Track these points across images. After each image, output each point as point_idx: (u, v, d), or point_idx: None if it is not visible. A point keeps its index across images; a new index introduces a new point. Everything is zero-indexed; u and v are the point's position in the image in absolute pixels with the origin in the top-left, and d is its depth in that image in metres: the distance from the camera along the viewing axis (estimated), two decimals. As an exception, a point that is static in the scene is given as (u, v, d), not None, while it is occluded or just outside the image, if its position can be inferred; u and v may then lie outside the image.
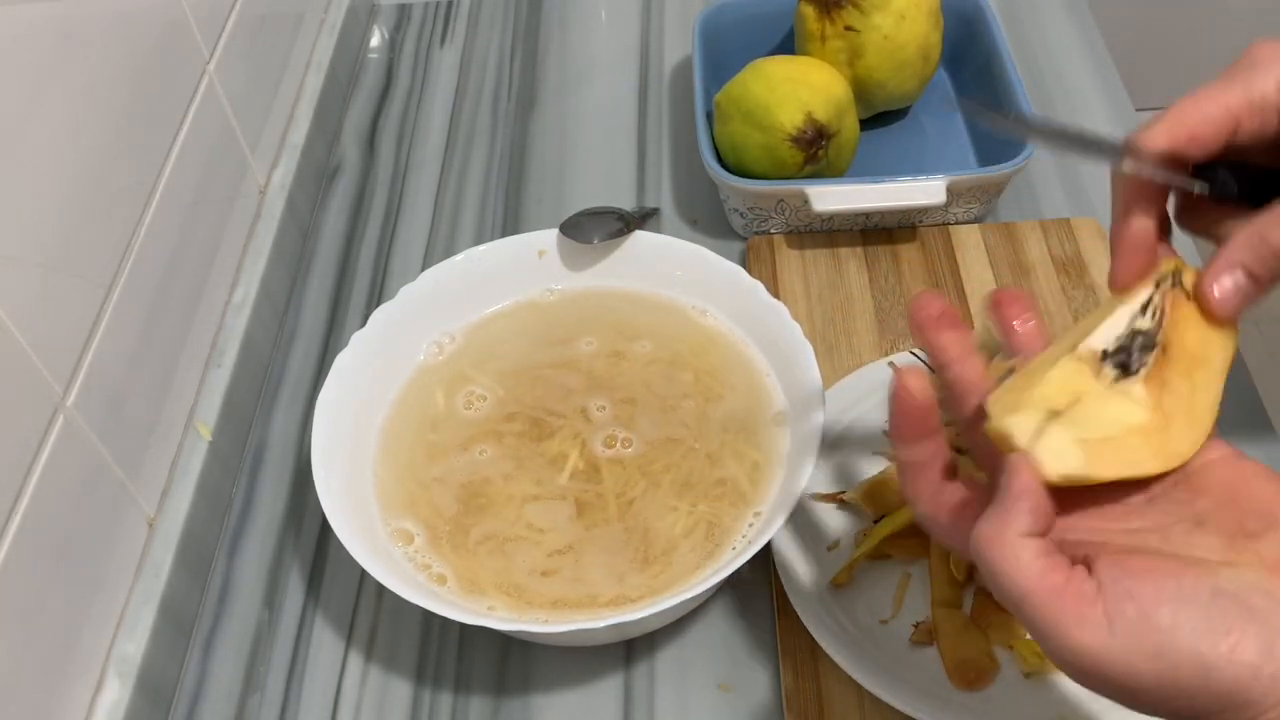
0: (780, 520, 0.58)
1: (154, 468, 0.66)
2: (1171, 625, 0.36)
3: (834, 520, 0.65)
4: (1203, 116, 0.44)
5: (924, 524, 0.44)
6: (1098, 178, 0.88)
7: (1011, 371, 0.45)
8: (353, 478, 0.64)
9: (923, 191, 0.77)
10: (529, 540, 0.62)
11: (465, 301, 0.72)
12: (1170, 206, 0.47)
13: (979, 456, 0.45)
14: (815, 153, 0.79)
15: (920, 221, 0.82)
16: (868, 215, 0.81)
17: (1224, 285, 0.44)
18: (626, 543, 0.62)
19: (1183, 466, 0.42)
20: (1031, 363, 0.45)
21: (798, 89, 0.79)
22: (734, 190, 0.80)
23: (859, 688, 0.59)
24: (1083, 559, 0.39)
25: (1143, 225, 0.45)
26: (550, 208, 0.89)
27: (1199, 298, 0.44)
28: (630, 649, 0.64)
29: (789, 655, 0.61)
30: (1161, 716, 0.38)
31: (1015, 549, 0.38)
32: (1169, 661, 0.36)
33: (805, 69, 0.81)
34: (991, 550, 0.39)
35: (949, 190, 0.78)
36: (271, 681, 0.65)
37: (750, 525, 0.62)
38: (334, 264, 0.87)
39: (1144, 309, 0.44)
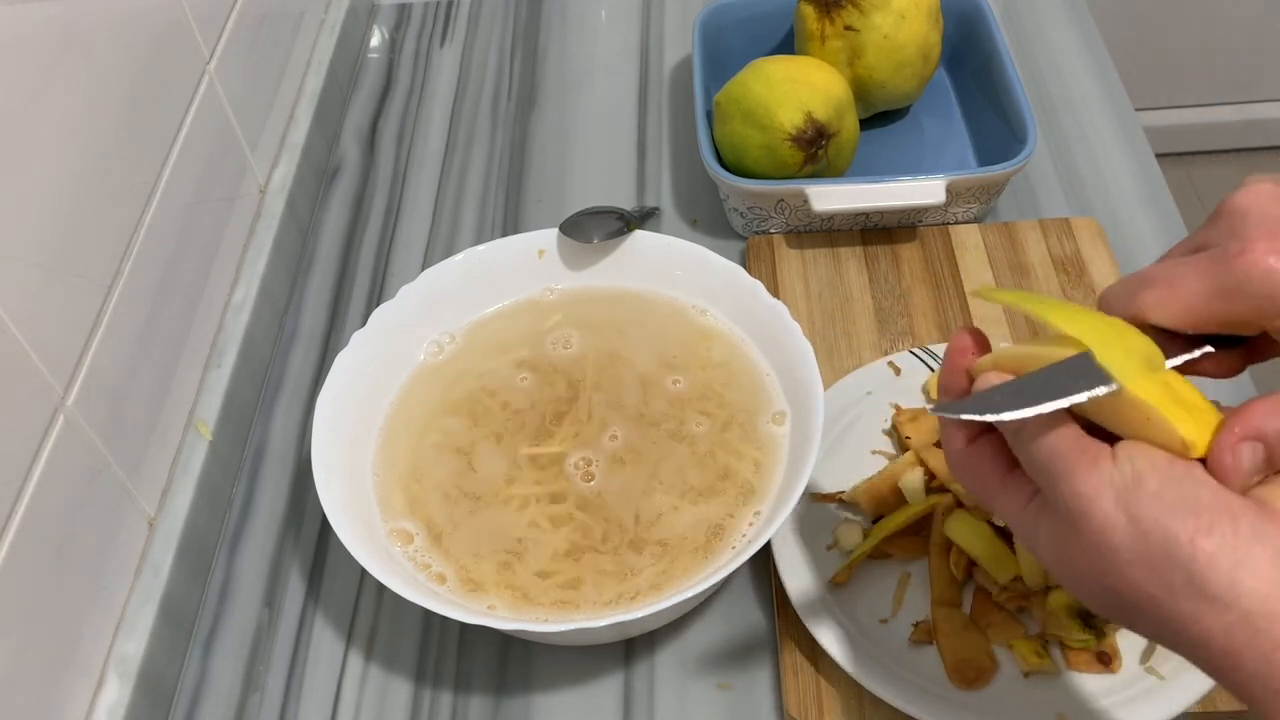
0: (780, 519, 0.58)
1: (154, 467, 0.66)
2: (1155, 494, 0.38)
3: (834, 520, 0.65)
4: (1171, 319, 0.42)
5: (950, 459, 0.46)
6: (1097, 178, 0.88)
7: None
8: (353, 477, 0.64)
9: (922, 191, 0.77)
10: (529, 539, 0.62)
11: (465, 301, 0.72)
12: None
13: None
14: (815, 153, 0.79)
15: (920, 221, 0.82)
16: (868, 215, 0.81)
17: (1242, 455, 0.39)
18: (626, 542, 0.62)
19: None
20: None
21: (798, 89, 0.79)
22: (734, 190, 0.80)
23: (859, 687, 0.59)
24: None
25: None
26: (550, 208, 0.89)
27: (1213, 465, 0.39)
28: (630, 648, 0.64)
29: (789, 655, 0.61)
30: (1127, 597, 0.39)
31: (1056, 420, 0.41)
32: (1142, 527, 0.38)
33: (805, 69, 0.81)
34: (1035, 422, 0.41)
35: (948, 190, 0.78)
36: (271, 681, 0.65)
37: (750, 524, 0.62)
38: (334, 264, 0.87)
39: None
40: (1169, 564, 0.38)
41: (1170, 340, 0.43)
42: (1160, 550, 0.38)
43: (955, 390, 0.46)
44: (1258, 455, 0.39)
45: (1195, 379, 0.43)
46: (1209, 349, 0.43)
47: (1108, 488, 0.39)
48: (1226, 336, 0.43)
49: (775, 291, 0.73)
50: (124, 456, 0.61)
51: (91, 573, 0.59)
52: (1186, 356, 0.43)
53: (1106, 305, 0.44)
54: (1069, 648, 0.59)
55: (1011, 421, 0.42)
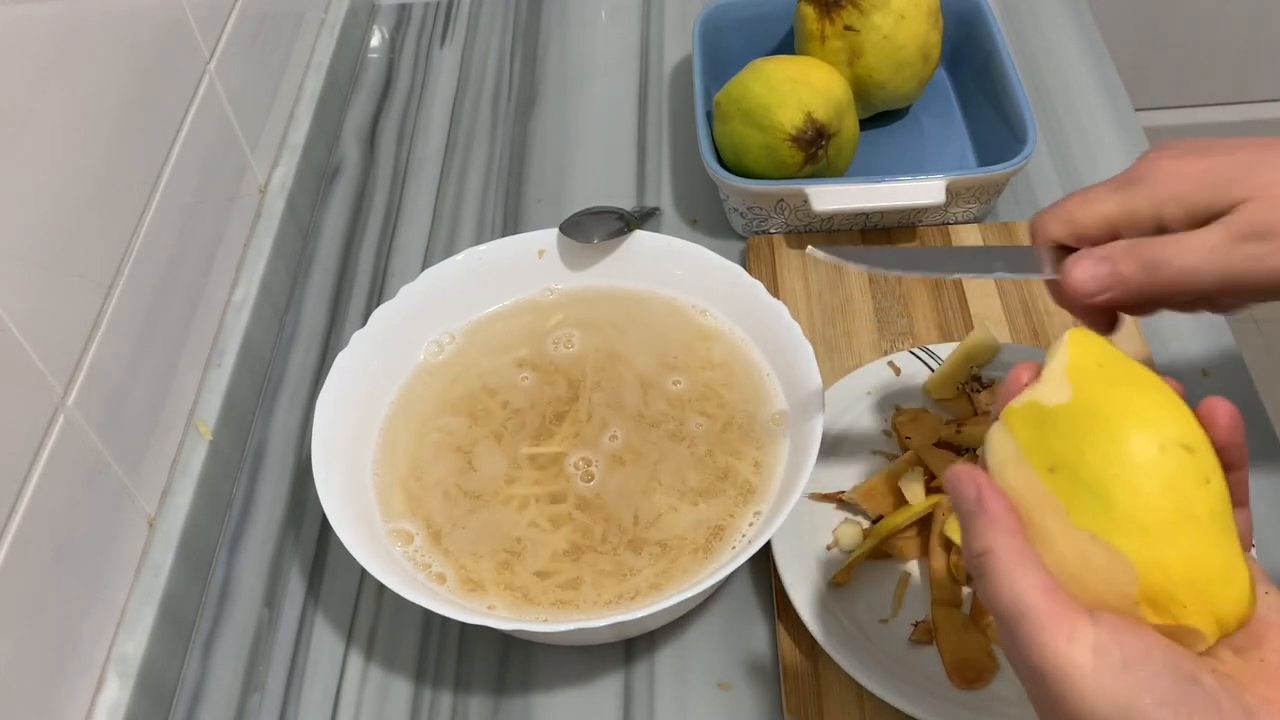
0: (780, 519, 0.58)
1: (154, 467, 0.66)
2: (1145, 685, 0.36)
3: (834, 520, 0.65)
4: (1088, 221, 0.48)
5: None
6: (1097, 178, 0.87)
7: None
8: (353, 478, 0.64)
9: (922, 191, 0.77)
10: (529, 540, 0.62)
11: (465, 301, 0.72)
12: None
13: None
14: (815, 153, 0.79)
15: (920, 221, 0.82)
16: (867, 215, 0.81)
17: (1084, 268, 0.47)
18: (625, 542, 0.62)
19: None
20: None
21: (798, 89, 0.79)
22: (734, 190, 0.80)
23: (859, 687, 0.59)
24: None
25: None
26: (550, 208, 0.89)
27: (1063, 281, 0.47)
28: (630, 649, 0.64)
29: (789, 655, 0.61)
30: None
31: (1023, 562, 0.38)
32: (1134, 718, 0.36)
33: (805, 69, 0.81)
34: (996, 558, 0.38)
35: (948, 190, 0.78)
36: (271, 681, 0.65)
37: (750, 524, 0.62)
38: (334, 264, 0.87)
39: None
40: None
41: None
42: None
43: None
44: (1099, 271, 0.46)
45: None
46: None
47: (1091, 672, 0.36)
48: None
49: (775, 291, 0.73)
50: (124, 456, 0.61)
51: (91, 573, 0.59)
52: None
53: (1039, 221, 0.50)
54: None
55: None
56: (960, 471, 0.40)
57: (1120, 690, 0.36)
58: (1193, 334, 0.76)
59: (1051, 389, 0.40)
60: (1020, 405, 0.40)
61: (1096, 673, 0.36)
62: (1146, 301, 0.48)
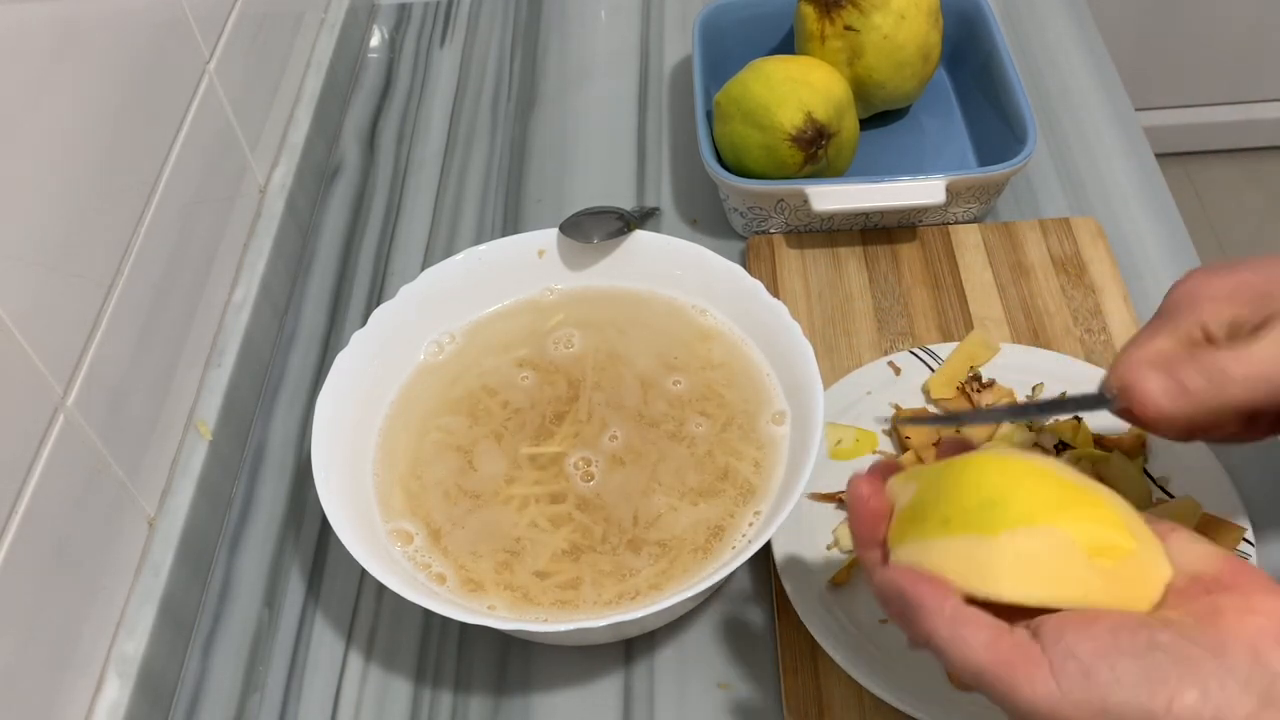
0: (780, 519, 0.58)
1: (154, 467, 0.66)
2: (1111, 680, 0.38)
3: (834, 520, 0.65)
4: (1149, 358, 0.48)
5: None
6: (1097, 178, 0.88)
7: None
8: (353, 477, 0.64)
9: (922, 191, 0.77)
10: (529, 539, 0.62)
11: (465, 301, 0.72)
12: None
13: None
14: (815, 152, 0.79)
15: (920, 221, 0.82)
16: (867, 215, 0.81)
17: (1154, 381, 0.46)
18: (625, 542, 0.62)
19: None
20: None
21: (798, 89, 0.79)
22: (734, 190, 0.80)
23: (859, 688, 0.59)
24: (1025, 624, 0.41)
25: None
26: (550, 208, 0.89)
27: (1133, 397, 0.46)
28: (630, 649, 0.64)
29: (789, 655, 0.61)
30: None
31: (959, 629, 0.40)
32: (1115, 715, 0.38)
33: (805, 69, 0.81)
34: (939, 638, 0.41)
35: (948, 190, 0.78)
36: (271, 681, 0.65)
37: (750, 524, 0.62)
38: (334, 264, 0.87)
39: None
40: None
41: None
42: None
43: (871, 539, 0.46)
44: (1168, 384, 0.45)
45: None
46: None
47: (1060, 698, 0.38)
48: None
49: (775, 291, 0.73)
50: (124, 456, 0.61)
51: (91, 573, 0.59)
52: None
53: (1108, 377, 0.49)
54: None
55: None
56: (884, 586, 0.43)
57: (1093, 698, 0.38)
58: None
59: (904, 496, 0.46)
60: (893, 526, 0.46)
61: (1066, 694, 0.38)
62: (1199, 424, 0.48)
